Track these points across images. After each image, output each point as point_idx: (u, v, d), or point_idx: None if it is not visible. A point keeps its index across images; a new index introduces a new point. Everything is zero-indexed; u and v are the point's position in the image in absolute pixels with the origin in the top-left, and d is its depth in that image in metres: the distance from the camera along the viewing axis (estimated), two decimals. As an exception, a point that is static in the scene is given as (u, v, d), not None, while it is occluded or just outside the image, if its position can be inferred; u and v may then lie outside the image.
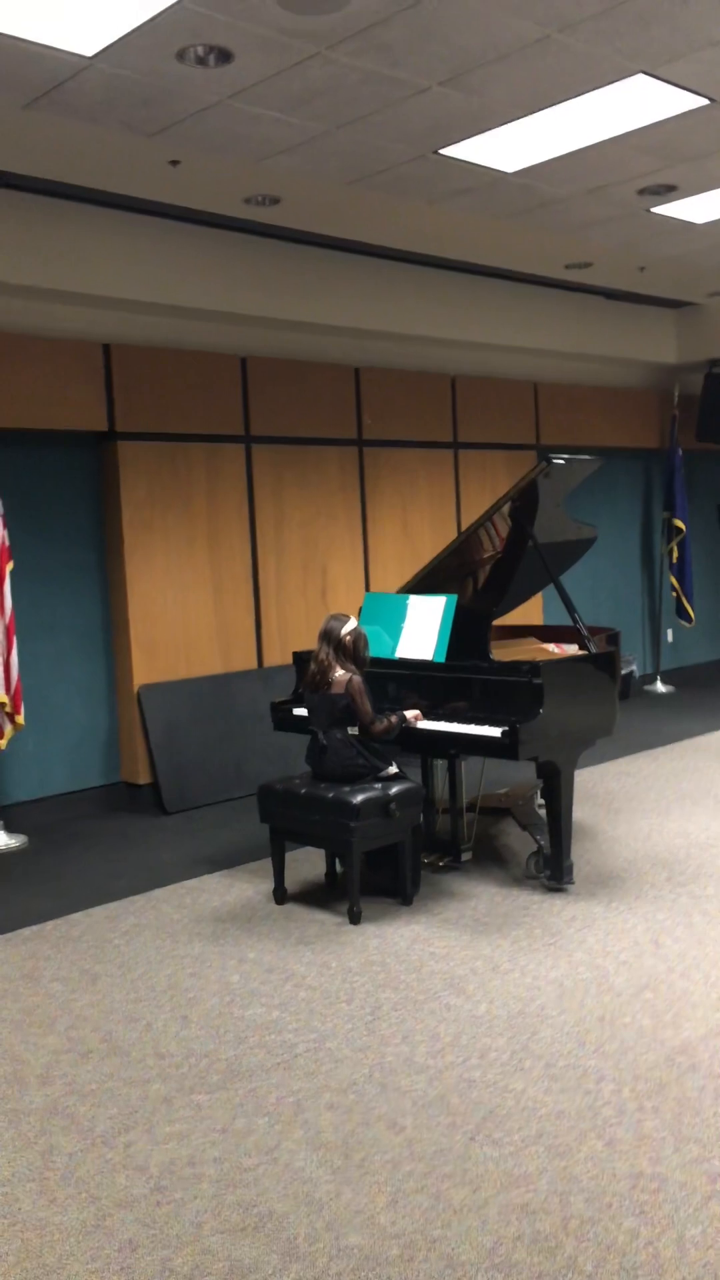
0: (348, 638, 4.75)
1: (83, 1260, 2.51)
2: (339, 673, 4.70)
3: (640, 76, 4.44)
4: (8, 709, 5.83)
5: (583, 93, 4.57)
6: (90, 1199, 2.74)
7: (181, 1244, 2.55)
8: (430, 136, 4.94)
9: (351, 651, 4.74)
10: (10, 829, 6.09)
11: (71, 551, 6.61)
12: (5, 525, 5.85)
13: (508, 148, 5.13)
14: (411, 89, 4.43)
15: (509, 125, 4.87)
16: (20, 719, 5.90)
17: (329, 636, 4.77)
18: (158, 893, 5.12)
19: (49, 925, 4.73)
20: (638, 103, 4.69)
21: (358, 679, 4.68)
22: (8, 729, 5.90)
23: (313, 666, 4.80)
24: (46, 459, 6.50)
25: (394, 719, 4.75)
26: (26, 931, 4.66)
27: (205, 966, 4.20)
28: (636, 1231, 2.52)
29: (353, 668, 4.72)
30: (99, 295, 6.02)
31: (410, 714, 4.86)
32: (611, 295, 8.44)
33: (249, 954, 4.30)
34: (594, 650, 5.03)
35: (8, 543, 5.86)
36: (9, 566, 5.85)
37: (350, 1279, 2.40)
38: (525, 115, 4.77)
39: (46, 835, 6.18)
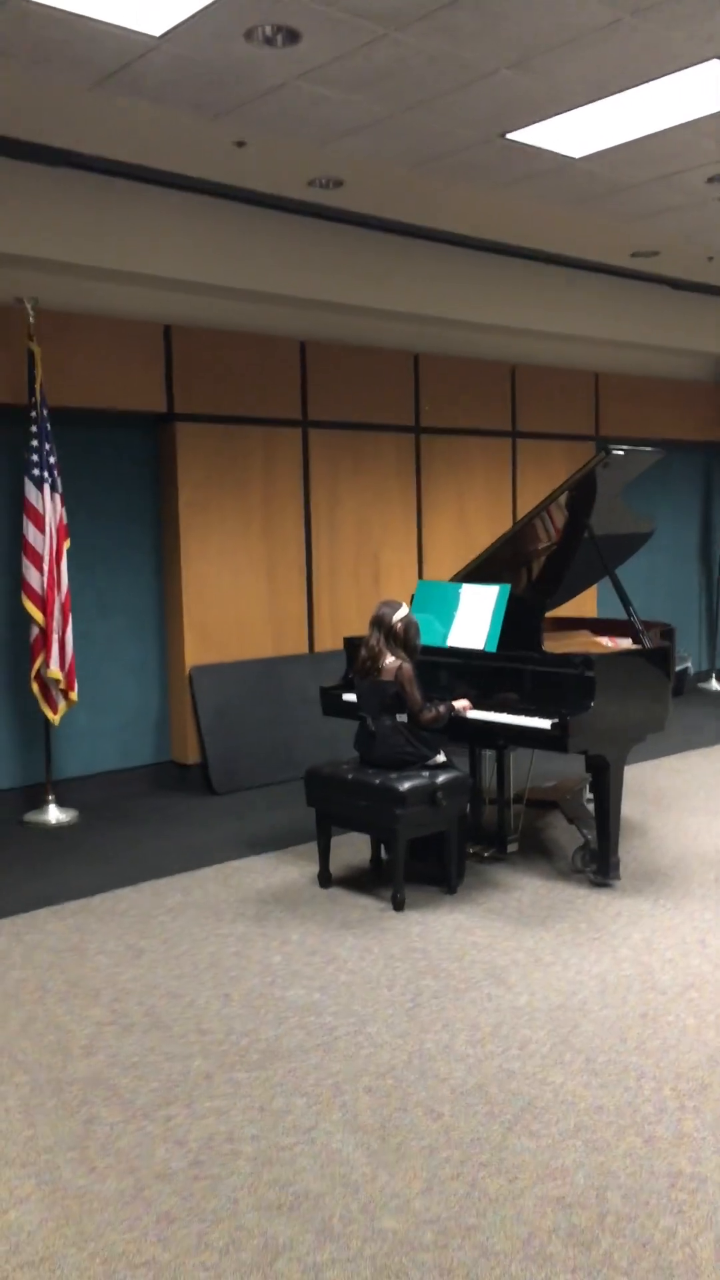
0: (399, 625, 4.74)
1: (120, 1230, 2.54)
2: (389, 660, 4.70)
3: (714, 62, 4.36)
4: (62, 685, 5.91)
5: (654, 78, 4.50)
6: (129, 1170, 2.78)
7: (218, 1219, 2.58)
8: (497, 120, 4.89)
9: (403, 639, 4.73)
10: (61, 804, 6.18)
11: (127, 532, 6.67)
12: (64, 504, 5.91)
13: (575, 133, 5.06)
14: (479, 72, 4.39)
15: (577, 110, 4.81)
16: (74, 695, 5.97)
17: (380, 623, 4.76)
18: (204, 872, 5.16)
19: (96, 899, 4.79)
20: (710, 88, 4.61)
21: (408, 666, 4.67)
22: (61, 705, 5.98)
23: (363, 653, 4.80)
24: (105, 439, 6.56)
25: (443, 708, 4.73)
26: (74, 905, 4.73)
27: (248, 946, 4.23)
28: (674, 1230, 2.50)
29: (403, 655, 4.71)
30: (160, 276, 6.05)
31: (459, 703, 4.84)
32: (678, 285, 8.31)
33: (292, 936, 4.32)
34: (648, 645, 4.97)
35: (65, 521, 5.92)
36: (66, 545, 5.91)
37: (384, 1262, 2.41)
38: (594, 100, 4.70)
39: (96, 811, 6.26)
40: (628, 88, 4.58)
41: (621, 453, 4.90)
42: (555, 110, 4.80)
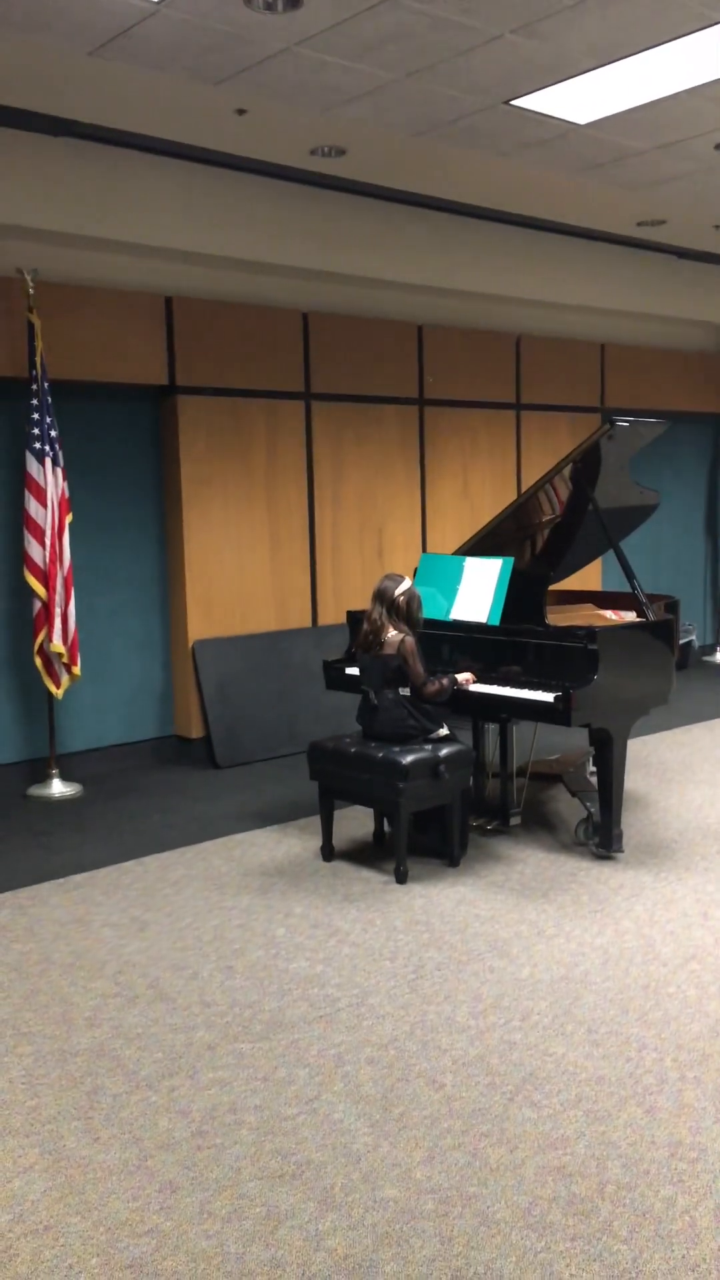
0: (401, 598, 4.73)
1: (124, 1199, 2.56)
2: (392, 633, 4.69)
3: (721, 25, 4.28)
4: (65, 659, 5.91)
5: (660, 43, 4.43)
6: (133, 1140, 2.80)
7: (220, 1188, 2.60)
8: (501, 86, 4.82)
9: (405, 612, 4.72)
10: (65, 778, 6.19)
11: (130, 505, 6.64)
12: (65, 478, 5.89)
13: (581, 99, 4.99)
14: (483, 37, 4.32)
15: (583, 76, 4.74)
16: (77, 670, 5.98)
17: (383, 597, 4.75)
18: (207, 845, 5.18)
19: (101, 872, 4.81)
20: (717, 54, 4.53)
21: (410, 640, 4.66)
22: (64, 679, 5.98)
23: (365, 626, 4.79)
24: (107, 412, 6.53)
25: (445, 681, 4.73)
26: (79, 878, 4.75)
27: (252, 919, 4.24)
28: (673, 1200, 2.52)
29: (406, 628, 4.70)
30: (161, 247, 6.00)
31: (462, 676, 4.84)
32: (684, 254, 8.23)
33: (295, 908, 4.34)
34: (652, 618, 4.96)
35: (67, 495, 5.90)
36: (68, 519, 5.90)
37: (385, 1230, 2.43)
38: (600, 65, 4.63)
39: (100, 785, 6.27)
40: (634, 53, 4.51)
41: (626, 424, 4.87)
42: (560, 76, 4.73)
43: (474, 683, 4.87)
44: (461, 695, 4.87)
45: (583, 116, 5.22)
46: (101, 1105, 2.96)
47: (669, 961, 3.78)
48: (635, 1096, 2.95)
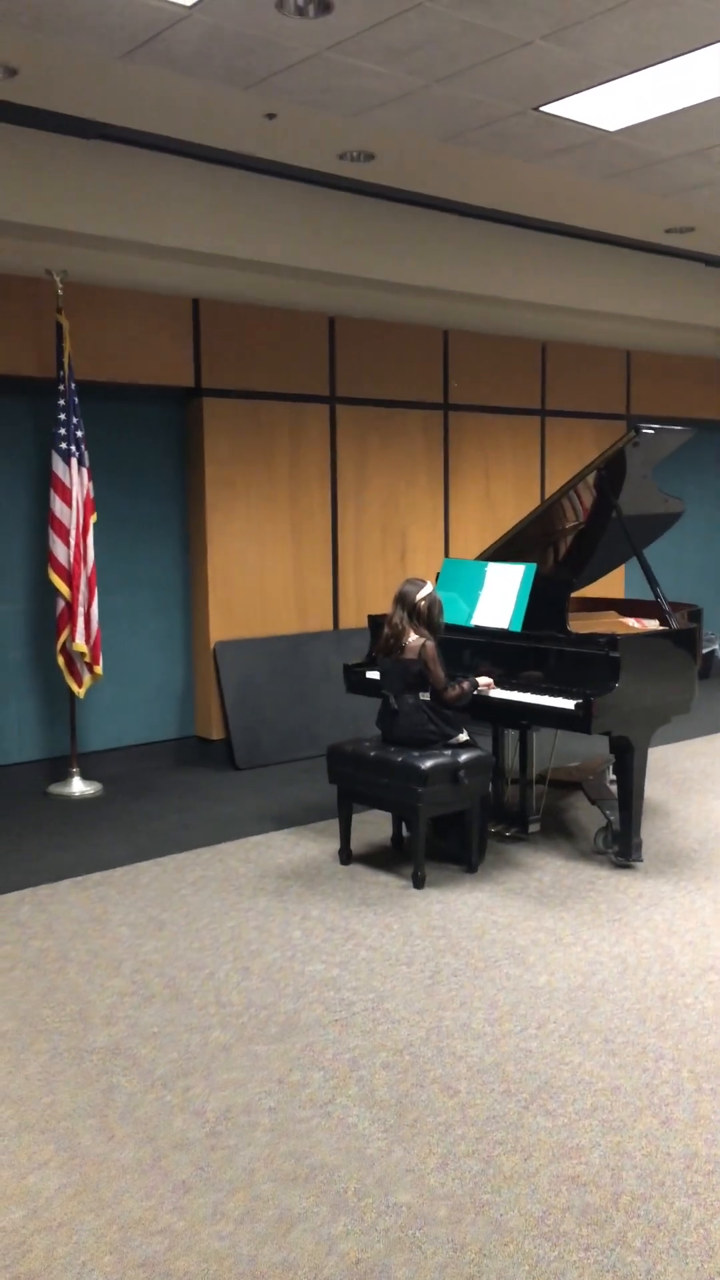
0: (423, 603, 4.73)
1: (137, 1197, 2.57)
2: (413, 638, 4.69)
3: (754, 31, 4.27)
4: (87, 659, 5.94)
5: (692, 49, 4.41)
6: (147, 1138, 2.81)
7: (234, 1189, 2.60)
8: (531, 92, 4.82)
9: (426, 617, 4.73)
10: (86, 776, 6.22)
11: (153, 506, 6.67)
12: (91, 478, 5.92)
13: (611, 105, 4.98)
14: (513, 42, 4.32)
15: (613, 82, 4.72)
16: (99, 669, 6.01)
17: (404, 601, 4.75)
18: (225, 846, 5.19)
19: (119, 871, 4.83)
20: (749, 59, 4.51)
21: (431, 644, 4.66)
22: (86, 678, 6.01)
23: (386, 630, 4.79)
24: (132, 413, 6.56)
25: (466, 685, 4.72)
26: (97, 876, 4.77)
27: (269, 921, 4.25)
28: (688, 1212, 2.50)
29: (426, 633, 4.70)
30: (189, 250, 6.03)
31: (483, 681, 4.83)
32: (712, 262, 8.19)
33: (312, 911, 4.34)
34: (675, 626, 4.94)
35: (92, 495, 5.93)
36: (93, 519, 5.93)
37: (398, 1235, 2.42)
38: (630, 72, 4.62)
39: (120, 784, 6.30)
40: (665, 60, 4.50)
41: (652, 432, 4.85)
42: (590, 82, 4.72)
43: (494, 688, 4.86)
44: (482, 701, 4.86)
45: (612, 123, 5.21)
46: (117, 1103, 2.97)
47: (687, 972, 3.76)
48: (651, 1107, 2.93)
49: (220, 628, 6.75)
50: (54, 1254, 2.38)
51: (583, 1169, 2.66)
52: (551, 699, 4.68)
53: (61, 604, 5.88)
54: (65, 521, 5.81)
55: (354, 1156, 2.72)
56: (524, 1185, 2.60)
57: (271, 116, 5.10)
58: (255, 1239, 2.42)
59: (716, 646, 9.66)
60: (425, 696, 4.71)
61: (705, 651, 5.14)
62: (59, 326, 5.76)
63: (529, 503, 8.01)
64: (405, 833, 5.06)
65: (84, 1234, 2.44)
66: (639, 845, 4.83)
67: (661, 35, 4.29)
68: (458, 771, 4.57)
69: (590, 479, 5.03)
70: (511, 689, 4.87)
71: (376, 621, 5.35)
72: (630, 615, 5.65)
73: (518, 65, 4.53)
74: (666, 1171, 2.65)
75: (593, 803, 5.33)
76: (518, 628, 4.93)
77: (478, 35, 4.25)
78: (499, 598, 5.06)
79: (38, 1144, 2.79)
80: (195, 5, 4.00)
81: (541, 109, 5.02)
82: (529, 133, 5.33)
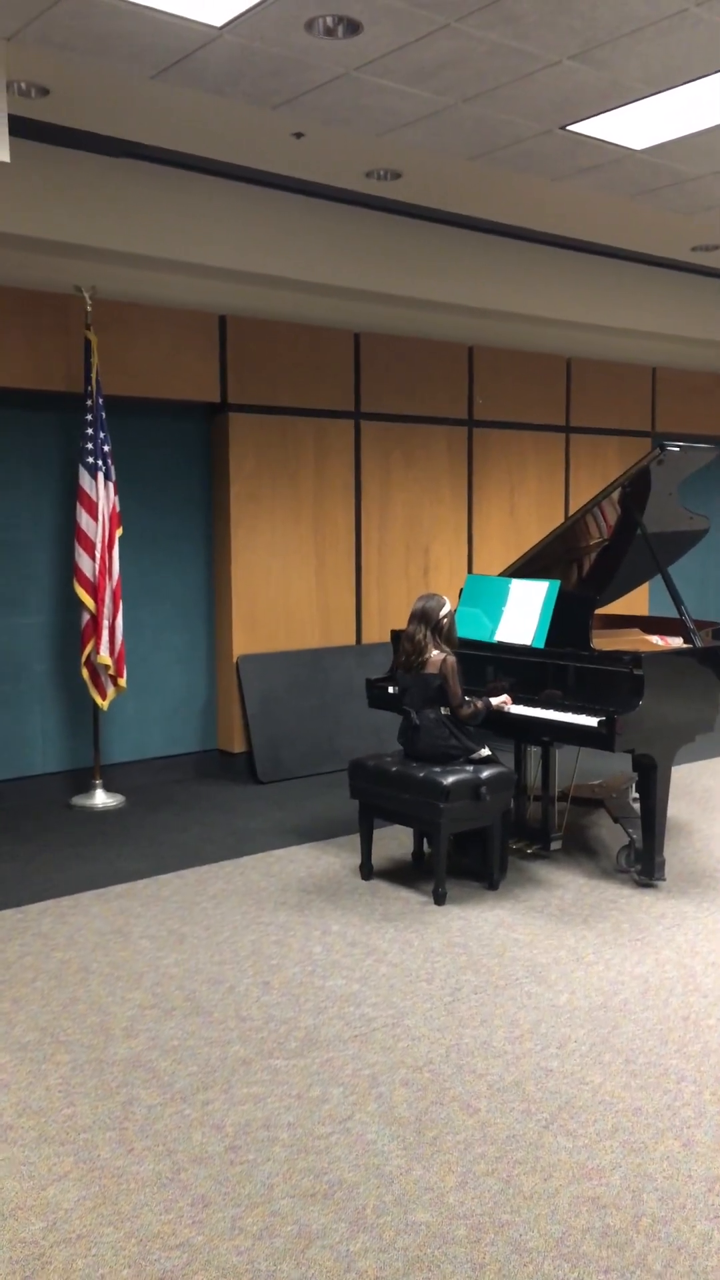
0: (445, 620, 4.75)
1: (156, 1211, 2.57)
2: (434, 653, 4.69)
3: (781, 51, 4.27)
4: (111, 671, 5.97)
5: (718, 69, 4.42)
6: (166, 1152, 2.81)
7: (252, 1204, 2.60)
8: (558, 112, 4.84)
9: (445, 633, 4.74)
10: (108, 788, 6.25)
11: (179, 521, 6.71)
12: (117, 492, 5.97)
13: (638, 124, 5.00)
14: (541, 62, 4.35)
15: (640, 101, 4.74)
16: (123, 682, 6.04)
17: (426, 618, 4.76)
18: (246, 860, 5.19)
19: (140, 884, 4.85)
20: (777, 79, 4.52)
21: (452, 659, 4.67)
22: (110, 691, 6.04)
23: (406, 645, 4.80)
24: (158, 428, 6.61)
25: (480, 704, 4.72)
26: (119, 888, 4.78)
27: (289, 935, 4.25)
28: (710, 1235, 2.48)
29: (447, 649, 4.71)
30: (217, 267, 6.08)
31: (497, 700, 4.82)
32: (738, 280, 8.19)
33: (333, 926, 4.34)
34: (699, 644, 4.92)
35: (118, 509, 5.97)
36: (118, 532, 5.97)
37: (416, 1254, 2.41)
38: (658, 91, 4.64)
39: (142, 796, 6.32)
40: (692, 79, 4.51)
41: (677, 449, 4.84)
42: (618, 102, 4.74)
43: (510, 705, 4.85)
44: (504, 717, 4.85)
45: (639, 142, 5.22)
46: (136, 1116, 2.98)
47: (710, 993, 3.73)
48: (673, 1129, 2.91)
49: (243, 641, 6.77)
50: (73, 1266, 2.38)
51: (603, 1190, 2.64)
52: (575, 716, 4.66)
53: (86, 617, 5.92)
54: (91, 535, 5.86)
55: (373, 1174, 2.71)
56: (544, 1206, 2.58)
57: (299, 135, 5.15)
58: (273, 1255, 2.41)
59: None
60: (446, 712, 4.70)
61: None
62: (87, 342, 5.82)
63: (553, 519, 8.00)
64: (426, 848, 5.05)
65: (103, 1247, 2.44)
66: (662, 864, 4.80)
67: (689, 55, 4.30)
68: (479, 788, 4.56)
69: (615, 496, 5.02)
70: (534, 706, 4.85)
71: (400, 636, 5.35)
72: (654, 633, 5.63)
73: (545, 85, 4.56)
74: (688, 1194, 2.63)
75: (615, 820, 5.31)
76: (541, 644, 4.93)
77: (505, 55, 4.27)
78: (522, 614, 5.06)
79: (57, 1156, 2.79)
80: (225, 26, 4.05)
81: (568, 128, 5.04)
82: (556, 152, 5.35)
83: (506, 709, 4.84)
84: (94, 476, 5.84)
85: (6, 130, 4.39)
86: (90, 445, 5.83)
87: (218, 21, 4.01)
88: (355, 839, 5.07)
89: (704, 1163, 2.75)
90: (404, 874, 4.98)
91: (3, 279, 5.76)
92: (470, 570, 7.74)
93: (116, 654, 5.96)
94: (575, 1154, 2.79)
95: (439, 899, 4.57)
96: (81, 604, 5.91)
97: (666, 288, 8.01)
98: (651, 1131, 2.89)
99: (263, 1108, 3.01)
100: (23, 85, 4.60)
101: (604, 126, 5.02)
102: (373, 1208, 2.58)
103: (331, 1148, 2.82)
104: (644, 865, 4.79)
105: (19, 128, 4.90)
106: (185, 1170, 2.73)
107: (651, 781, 4.70)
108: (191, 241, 5.91)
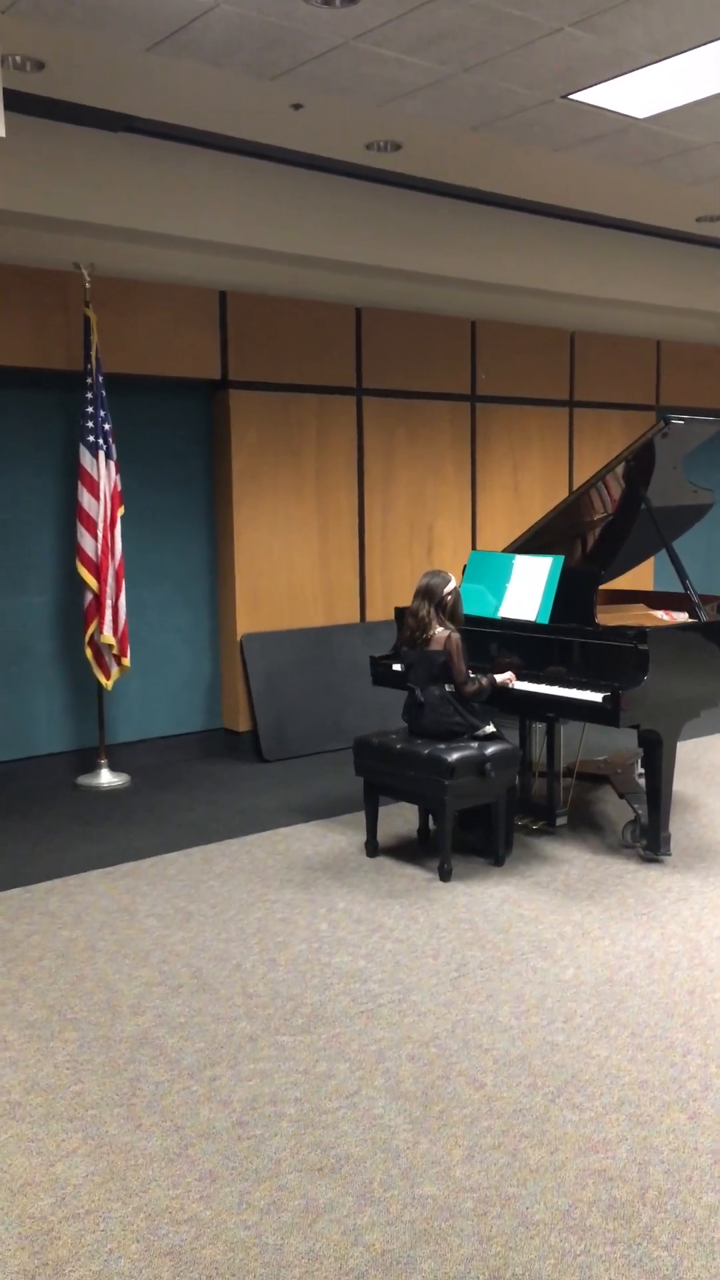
0: (449, 597, 4.72)
1: (164, 1186, 2.58)
2: (439, 630, 4.68)
3: (786, 15, 4.21)
4: (115, 651, 5.96)
5: (723, 33, 4.36)
6: (174, 1128, 2.82)
7: (260, 1179, 2.61)
8: (559, 80, 4.78)
9: (450, 610, 4.72)
10: (114, 768, 6.26)
11: (180, 499, 6.69)
12: (118, 470, 5.94)
13: (640, 92, 4.93)
14: (542, 30, 4.28)
15: (643, 69, 4.68)
16: (126, 661, 6.03)
17: (430, 594, 4.74)
18: (252, 838, 5.20)
19: (146, 863, 4.86)
20: (782, 44, 4.45)
21: (457, 636, 4.65)
22: (114, 670, 6.04)
23: (411, 623, 4.78)
24: (159, 406, 6.57)
25: (485, 681, 4.71)
26: (125, 867, 4.79)
27: (295, 913, 4.25)
28: (716, 1207, 2.49)
29: (451, 626, 4.69)
30: (216, 241, 6.03)
31: (501, 677, 4.81)
32: (743, 250, 8.11)
33: (339, 903, 4.35)
34: (704, 618, 4.90)
35: (120, 488, 5.95)
36: (120, 511, 5.95)
37: (423, 1227, 2.42)
38: (661, 59, 4.57)
39: (148, 776, 6.33)
40: (695, 46, 4.45)
41: (681, 422, 4.81)
42: (620, 70, 4.68)
43: (515, 682, 4.84)
44: (509, 693, 4.84)
45: (642, 110, 5.16)
46: (144, 1093, 2.99)
47: (716, 967, 3.73)
48: (679, 1102, 2.91)
49: (247, 620, 6.76)
50: (81, 1241, 2.39)
51: (609, 1163, 2.65)
52: (579, 692, 4.65)
53: (89, 596, 5.91)
54: (93, 514, 5.84)
55: (380, 1148, 2.72)
56: (550, 1179, 2.59)
57: (298, 107, 5.09)
58: (281, 1229, 2.43)
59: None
60: (451, 688, 4.69)
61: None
62: (86, 320, 5.78)
63: (557, 494, 7.96)
64: (431, 825, 5.05)
65: (111, 1222, 2.46)
66: (667, 839, 4.80)
67: (692, 21, 4.24)
68: (484, 764, 4.56)
69: (619, 470, 4.99)
70: (539, 682, 4.84)
71: (404, 614, 5.33)
72: (659, 607, 5.61)
73: (546, 53, 4.50)
74: (694, 1167, 2.64)
75: (621, 796, 5.31)
76: (545, 620, 4.91)
77: (506, 23, 4.21)
78: (526, 590, 5.04)
79: (65, 1132, 2.81)
80: (222, -4, 3.99)
81: (570, 97, 4.97)
82: (558, 121, 5.28)
83: (511, 686, 4.83)
84: (95, 455, 5.82)
85: (2, 105, 4.34)
86: (91, 424, 5.81)
87: (214, -9, 3.96)
88: (360, 816, 5.08)
89: (710, 1135, 2.76)
90: (409, 851, 4.98)
91: (1, 256, 5.72)
92: (474, 547, 7.71)
93: (120, 633, 5.96)
94: (581, 1127, 2.80)
95: (444, 875, 4.58)
96: (84, 583, 5.90)
97: (671, 259, 7.94)
98: (657, 1104, 2.90)
99: (269, 1083, 3.03)
100: (17, 59, 4.56)
101: (607, 95, 4.96)
102: (379, 1181, 2.59)
103: (338, 1122, 2.83)
104: (649, 840, 4.79)
105: (14, 102, 4.85)
106: (193, 1146, 2.75)
107: (657, 757, 4.70)
108: (190, 216, 5.86)
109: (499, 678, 4.80)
